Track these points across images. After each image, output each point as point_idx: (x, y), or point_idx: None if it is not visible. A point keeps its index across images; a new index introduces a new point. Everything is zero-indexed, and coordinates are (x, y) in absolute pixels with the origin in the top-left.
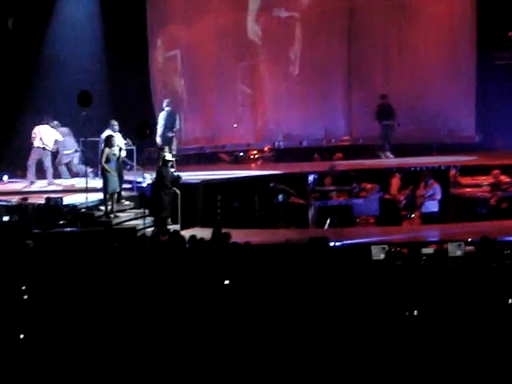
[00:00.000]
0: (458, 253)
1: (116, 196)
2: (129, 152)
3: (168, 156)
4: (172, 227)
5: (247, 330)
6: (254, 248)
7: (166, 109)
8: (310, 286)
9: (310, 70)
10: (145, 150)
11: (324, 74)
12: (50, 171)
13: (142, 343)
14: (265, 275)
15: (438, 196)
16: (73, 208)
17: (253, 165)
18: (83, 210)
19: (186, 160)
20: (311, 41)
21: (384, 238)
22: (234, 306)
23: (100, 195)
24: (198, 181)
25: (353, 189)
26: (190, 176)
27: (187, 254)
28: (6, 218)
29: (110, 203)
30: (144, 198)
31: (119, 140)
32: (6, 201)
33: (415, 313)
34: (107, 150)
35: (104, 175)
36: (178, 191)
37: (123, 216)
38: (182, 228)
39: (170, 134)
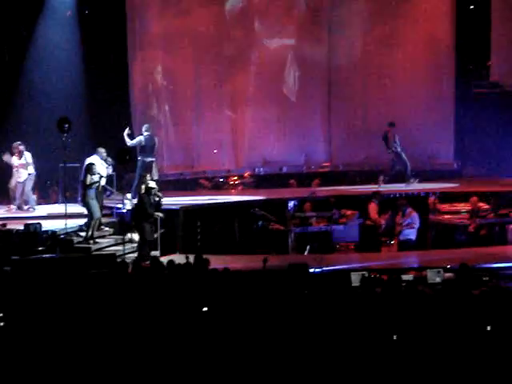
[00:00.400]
0: (437, 279)
1: (98, 222)
2: (109, 178)
3: (151, 184)
4: (151, 253)
5: (226, 356)
6: (233, 274)
7: (145, 133)
8: (289, 313)
9: (288, 95)
10: (124, 176)
11: (304, 100)
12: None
13: (122, 369)
14: (244, 301)
15: (416, 225)
16: (52, 234)
17: (233, 191)
18: (62, 236)
19: (166, 186)
20: (292, 67)
21: (364, 264)
22: (212, 332)
23: (79, 221)
24: (178, 207)
25: (332, 215)
26: (169, 202)
27: (166, 280)
28: None
29: (91, 229)
30: (124, 224)
31: (100, 167)
32: None
33: (394, 337)
34: (89, 176)
35: (86, 202)
36: (160, 215)
37: (103, 242)
38: (162, 254)
39: (150, 159)
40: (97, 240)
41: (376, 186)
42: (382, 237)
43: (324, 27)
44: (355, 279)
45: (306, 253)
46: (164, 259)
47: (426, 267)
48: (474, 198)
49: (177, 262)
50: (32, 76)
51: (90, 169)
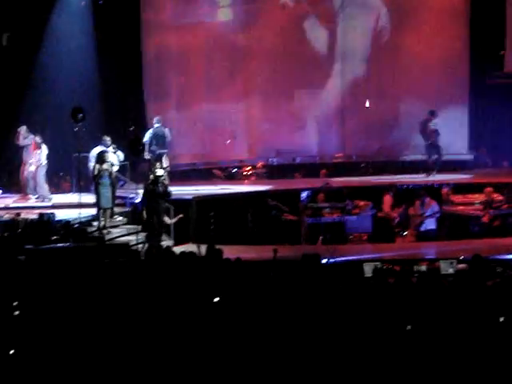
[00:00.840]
0: (450, 270)
1: (109, 212)
2: (122, 167)
3: (159, 172)
4: (165, 243)
5: (239, 347)
6: (246, 264)
7: (156, 125)
8: (302, 303)
9: (303, 86)
10: (138, 166)
11: (317, 91)
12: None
13: (135, 359)
14: (257, 292)
15: (438, 213)
16: (65, 223)
17: (246, 181)
18: (76, 226)
19: (179, 176)
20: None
21: (376, 255)
22: (225, 323)
23: (93, 211)
24: (191, 197)
25: (346, 206)
26: (182, 192)
27: (179, 269)
28: None
29: (102, 219)
30: (136, 214)
31: (111, 156)
32: None
33: (407, 328)
34: (98, 166)
35: (97, 191)
36: (170, 206)
37: (116, 232)
38: (175, 244)
39: (160, 151)
40: (109, 230)
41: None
42: (396, 228)
43: (336, 16)
44: (368, 270)
45: (318, 243)
46: (177, 249)
47: (439, 258)
48: (489, 189)
49: (189, 251)
50: (45, 66)
51: (102, 157)
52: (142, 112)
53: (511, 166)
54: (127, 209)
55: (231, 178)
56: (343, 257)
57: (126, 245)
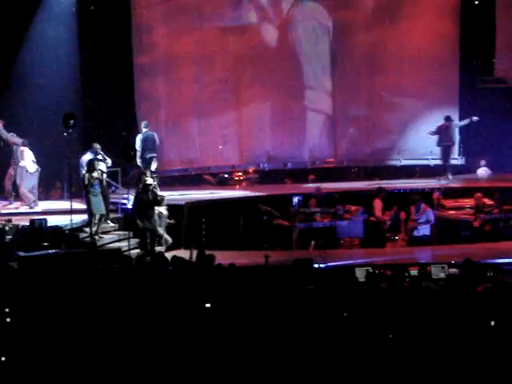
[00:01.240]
0: (442, 275)
1: (101, 217)
2: (113, 174)
3: (149, 180)
4: (156, 249)
5: (232, 352)
6: (239, 270)
7: (144, 130)
8: (294, 308)
9: (293, 92)
10: (129, 172)
11: (308, 96)
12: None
13: (128, 364)
14: (249, 297)
15: (432, 221)
16: (57, 229)
17: (237, 186)
18: (67, 232)
19: (171, 181)
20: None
21: (368, 260)
22: (218, 328)
23: (84, 216)
24: (183, 202)
25: (337, 211)
26: (174, 197)
27: (170, 275)
28: None
29: (94, 225)
30: (128, 220)
31: (101, 164)
32: None
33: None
34: (87, 174)
35: (87, 198)
36: (165, 212)
37: (108, 238)
38: (166, 250)
39: (150, 155)
40: (101, 235)
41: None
42: (387, 233)
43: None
44: (360, 275)
45: (310, 248)
46: (169, 255)
47: (430, 263)
48: (479, 194)
49: (181, 257)
50: (28, 71)
51: (92, 165)
52: (132, 118)
53: (503, 171)
54: (119, 215)
55: (222, 183)
56: (335, 262)
57: (118, 251)
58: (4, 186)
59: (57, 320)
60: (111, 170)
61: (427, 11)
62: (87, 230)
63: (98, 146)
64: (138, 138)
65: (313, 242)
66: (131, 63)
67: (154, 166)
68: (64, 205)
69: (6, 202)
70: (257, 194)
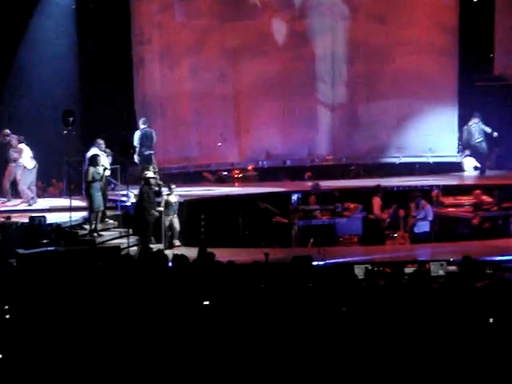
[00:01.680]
0: (441, 272)
1: (100, 215)
2: (113, 171)
3: (150, 174)
4: (155, 246)
5: (231, 349)
6: (238, 267)
7: (142, 127)
8: (293, 305)
9: (293, 89)
10: (128, 169)
11: (307, 93)
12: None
13: (128, 361)
14: (248, 294)
15: (430, 217)
16: (56, 227)
17: (236, 184)
18: (67, 229)
19: (170, 179)
20: (293, 60)
21: (367, 257)
22: (216, 326)
23: (83, 213)
24: (182, 199)
25: (336, 208)
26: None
27: (170, 273)
28: None
29: (94, 222)
30: (128, 217)
31: (104, 159)
32: None
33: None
34: (92, 169)
35: (89, 194)
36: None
37: (107, 235)
38: (166, 247)
39: (148, 152)
40: (101, 233)
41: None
42: (386, 230)
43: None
44: (359, 272)
45: (309, 246)
46: (168, 252)
47: (429, 260)
48: (478, 191)
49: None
50: (27, 68)
51: (94, 160)
52: (132, 115)
53: (502, 168)
54: (118, 212)
55: (222, 180)
56: (334, 259)
57: (118, 248)
58: (2, 184)
59: (56, 317)
60: (111, 167)
61: (425, 9)
62: (86, 227)
63: (101, 141)
64: (137, 135)
65: (311, 240)
66: (130, 60)
67: (154, 163)
68: (63, 202)
69: (5, 200)
70: (256, 191)
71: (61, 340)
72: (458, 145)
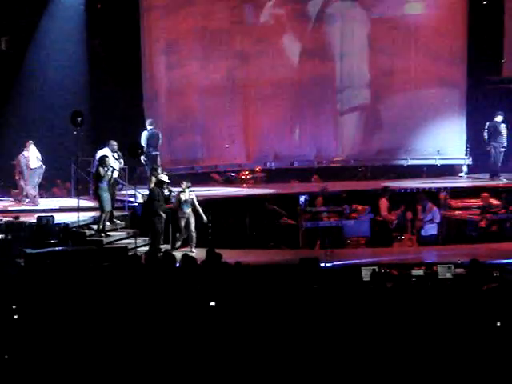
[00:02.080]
0: (448, 275)
1: (108, 215)
2: (120, 171)
3: (163, 177)
4: (163, 247)
5: (238, 350)
6: (245, 268)
7: (149, 127)
8: (300, 307)
9: (300, 90)
10: (136, 170)
11: (315, 95)
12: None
13: (134, 361)
14: (255, 295)
15: (437, 220)
16: (64, 227)
17: (244, 185)
18: (74, 229)
19: (178, 179)
20: (302, 61)
21: (374, 259)
22: (224, 326)
23: (91, 214)
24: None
25: (343, 210)
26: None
27: (178, 273)
28: None
29: (102, 222)
30: (135, 218)
31: (112, 160)
32: None
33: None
34: (101, 169)
35: (98, 195)
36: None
37: (114, 235)
38: (173, 248)
39: (154, 153)
40: (108, 233)
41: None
42: (393, 232)
43: (335, 20)
44: (366, 274)
45: (316, 247)
46: (176, 253)
47: (436, 263)
48: (485, 194)
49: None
50: (36, 69)
51: (103, 161)
52: (141, 116)
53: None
54: (126, 212)
55: (229, 182)
56: (341, 261)
57: (125, 248)
58: (17, 184)
59: (63, 317)
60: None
61: (435, 11)
62: (94, 227)
63: (114, 143)
64: (144, 135)
65: (319, 241)
66: (139, 60)
67: (159, 164)
68: (71, 202)
69: (15, 199)
70: (263, 192)
71: (68, 339)
72: (467, 147)
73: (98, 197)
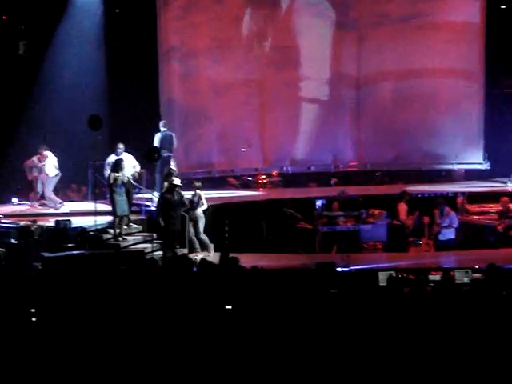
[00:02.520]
0: (465, 280)
1: (125, 219)
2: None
3: (176, 181)
4: (179, 251)
5: (253, 355)
6: (261, 272)
7: (162, 129)
8: (316, 312)
9: (317, 94)
10: (153, 173)
11: (332, 100)
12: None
13: (150, 366)
14: (272, 299)
15: (455, 224)
16: (81, 231)
17: (261, 189)
18: (92, 233)
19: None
20: (321, 67)
21: (391, 264)
22: (240, 330)
23: (108, 218)
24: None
25: (360, 214)
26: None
27: (195, 277)
28: (14, 241)
29: (118, 226)
30: (152, 222)
31: (127, 164)
32: (14, 223)
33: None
34: (113, 174)
35: (112, 199)
36: (185, 215)
37: (131, 239)
38: (190, 252)
39: (167, 155)
40: (125, 237)
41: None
42: (411, 237)
43: (354, 27)
44: (382, 279)
45: (333, 252)
46: (192, 256)
47: (454, 267)
48: (505, 199)
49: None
50: (54, 73)
51: (117, 165)
52: (158, 120)
53: None
54: (142, 216)
55: (246, 186)
56: (358, 265)
57: (142, 252)
58: (34, 188)
59: (80, 320)
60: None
61: (452, 15)
62: (111, 231)
63: (121, 146)
64: (157, 137)
65: (335, 246)
66: (156, 65)
67: (172, 166)
68: (88, 206)
69: (33, 203)
70: (280, 196)
71: (86, 342)
72: (484, 152)
73: (111, 201)
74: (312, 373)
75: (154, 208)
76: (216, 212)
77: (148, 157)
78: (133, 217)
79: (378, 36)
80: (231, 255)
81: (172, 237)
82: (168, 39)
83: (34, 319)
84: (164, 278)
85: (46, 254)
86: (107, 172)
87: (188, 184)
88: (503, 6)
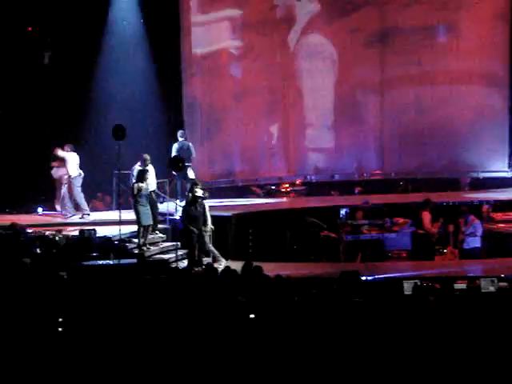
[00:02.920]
0: (491, 289)
1: (150, 229)
2: (161, 184)
3: (199, 192)
4: (205, 260)
5: (277, 364)
6: (285, 281)
7: (180, 139)
8: (341, 321)
9: (341, 103)
10: (177, 183)
11: (356, 108)
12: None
13: (177, 374)
14: (295, 308)
15: (479, 233)
16: (106, 240)
17: (284, 198)
18: (116, 242)
19: (218, 193)
20: (344, 74)
21: (416, 272)
22: (263, 339)
23: (133, 227)
24: (230, 213)
25: (384, 223)
26: (221, 208)
27: (219, 286)
28: (39, 250)
29: (142, 236)
30: (176, 231)
31: (151, 175)
32: (40, 232)
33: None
34: (139, 184)
35: (136, 209)
36: (208, 228)
37: (156, 249)
38: (214, 261)
39: (186, 164)
40: (149, 246)
41: None
42: (435, 245)
43: (377, 34)
44: (407, 287)
45: (357, 261)
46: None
47: (479, 276)
48: None
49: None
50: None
51: (141, 175)
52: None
53: None
54: (167, 226)
55: (270, 195)
56: (382, 274)
57: (166, 261)
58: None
59: (106, 329)
60: (160, 180)
61: (476, 23)
62: (135, 240)
63: (147, 157)
64: (174, 147)
65: (360, 255)
66: (179, 74)
67: (191, 175)
68: (112, 215)
69: (67, 214)
70: (304, 205)
71: (112, 351)
72: (509, 160)
73: (135, 210)
74: (338, 381)
75: (178, 217)
76: (239, 221)
77: (173, 166)
78: (160, 225)
79: (401, 42)
80: (255, 264)
81: (195, 247)
82: (191, 46)
83: (60, 329)
84: (186, 287)
85: (71, 264)
86: (133, 180)
87: (214, 194)
88: None
